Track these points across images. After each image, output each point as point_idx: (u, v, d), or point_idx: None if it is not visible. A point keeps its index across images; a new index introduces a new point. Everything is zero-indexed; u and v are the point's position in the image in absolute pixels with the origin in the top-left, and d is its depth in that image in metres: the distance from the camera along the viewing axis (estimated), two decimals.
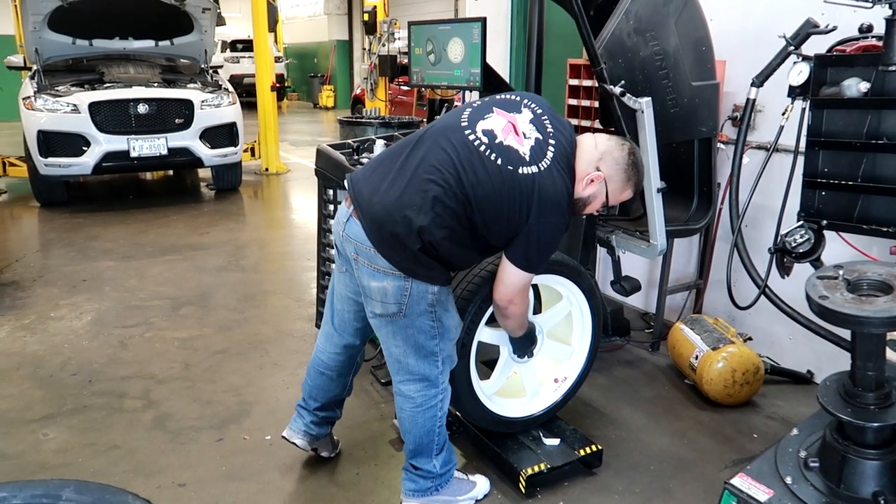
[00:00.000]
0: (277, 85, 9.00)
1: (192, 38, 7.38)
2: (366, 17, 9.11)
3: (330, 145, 3.42)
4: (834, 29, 2.42)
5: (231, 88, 7.55)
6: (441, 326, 2.15)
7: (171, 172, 8.71)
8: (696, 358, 3.13)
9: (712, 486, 2.49)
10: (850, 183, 2.33)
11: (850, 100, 2.27)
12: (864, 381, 1.93)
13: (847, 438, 1.97)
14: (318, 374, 2.49)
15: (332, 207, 3.37)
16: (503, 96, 2.17)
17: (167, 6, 6.84)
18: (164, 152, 6.66)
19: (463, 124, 2.06)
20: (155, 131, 6.61)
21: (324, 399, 2.52)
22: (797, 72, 2.41)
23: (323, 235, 3.52)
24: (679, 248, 3.81)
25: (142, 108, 6.54)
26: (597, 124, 3.80)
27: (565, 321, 2.71)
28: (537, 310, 2.66)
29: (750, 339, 3.32)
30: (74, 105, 6.35)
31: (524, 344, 2.47)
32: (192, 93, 6.92)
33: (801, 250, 2.44)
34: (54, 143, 6.30)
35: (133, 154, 6.53)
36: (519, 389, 2.67)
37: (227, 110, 7.09)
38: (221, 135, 7.06)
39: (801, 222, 2.47)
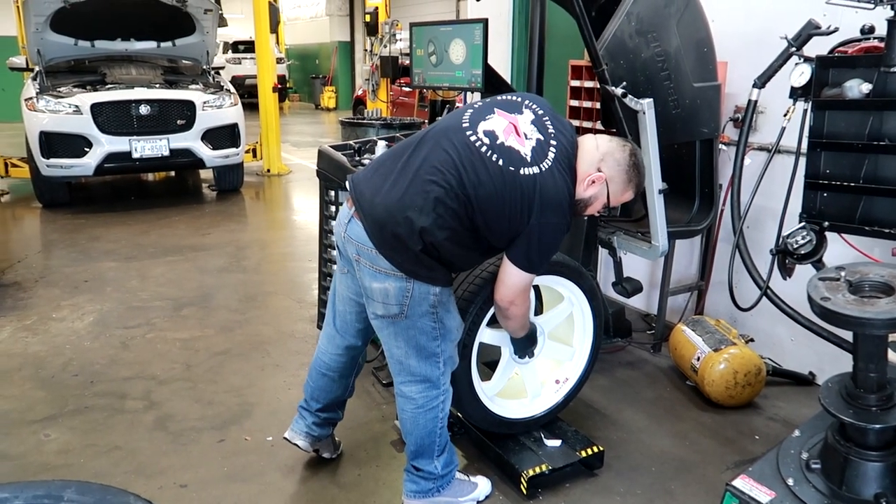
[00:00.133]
0: (279, 86, 9.01)
1: (194, 39, 7.39)
2: (367, 18, 9.10)
3: (331, 146, 3.42)
4: (836, 30, 2.42)
5: (233, 89, 7.55)
6: (442, 327, 2.15)
7: (172, 173, 8.72)
8: (698, 359, 3.12)
9: (714, 487, 2.49)
10: (852, 184, 2.32)
11: (852, 101, 2.27)
12: (865, 382, 1.93)
13: (849, 440, 1.97)
14: (319, 376, 2.49)
15: (333, 208, 3.37)
16: (504, 97, 2.17)
17: (169, 7, 6.85)
18: (166, 153, 6.67)
19: (464, 125, 2.06)
20: (157, 132, 6.62)
21: (326, 400, 2.52)
22: (799, 73, 2.41)
23: (324, 236, 3.52)
24: (681, 249, 3.80)
25: (144, 110, 6.54)
26: (598, 125, 3.80)
27: (567, 322, 2.71)
28: (538, 311, 2.67)
29: (751, 340, 3.32)
30: (76, 106, 6.35)
31: (525, 345, 2.47)
32: (193, 94, 6.93)
33: (802, 252, 2.43)
34: (56, 144, 6.31)
35: (135, 155, 6.53)
36: (520, 390, 2.67)
37: (228, 111, 7.10)
38: (223, 136, 7.07)
39: (802, 224, 2.46)
